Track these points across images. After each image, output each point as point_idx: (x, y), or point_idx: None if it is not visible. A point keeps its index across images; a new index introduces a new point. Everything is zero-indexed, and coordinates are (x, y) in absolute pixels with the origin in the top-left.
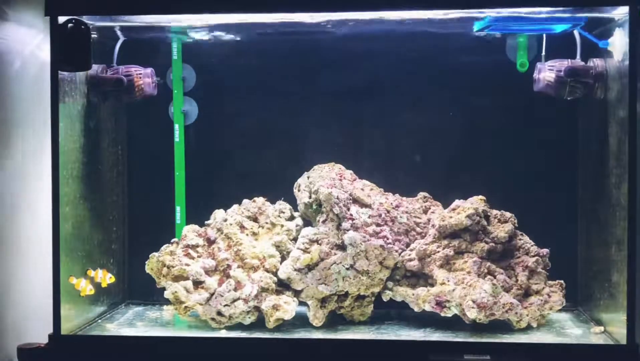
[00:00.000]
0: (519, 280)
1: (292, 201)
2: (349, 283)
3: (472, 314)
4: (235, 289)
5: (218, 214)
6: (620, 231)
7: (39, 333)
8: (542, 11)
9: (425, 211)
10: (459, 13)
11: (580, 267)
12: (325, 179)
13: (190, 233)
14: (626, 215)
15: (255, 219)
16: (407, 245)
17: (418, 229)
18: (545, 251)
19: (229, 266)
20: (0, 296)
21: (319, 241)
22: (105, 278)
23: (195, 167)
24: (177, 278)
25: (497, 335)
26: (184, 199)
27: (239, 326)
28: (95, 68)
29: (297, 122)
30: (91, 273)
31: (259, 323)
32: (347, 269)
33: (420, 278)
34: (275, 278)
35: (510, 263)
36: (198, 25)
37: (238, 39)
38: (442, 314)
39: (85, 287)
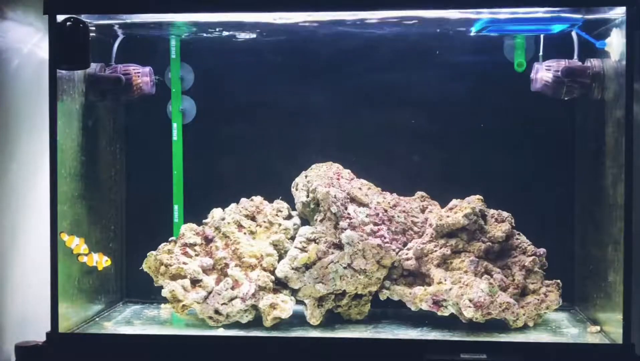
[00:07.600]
0: (515, 279)
1: (290, 200)
2: (346, 282)
3: (468, 313)
4: (233, 288)
5: (216, 213)
6: (617, 230)
7: (36, 331)
8: (539, 11)
9: (422, 211)
10: (457, 13)
11: (577, 266)
12: (322, 178)
13: (188, 231)
14: (622, 215)
15: (253, 218)
16: (405, 244)
17: (415, 228)
18: (542, 250)
19: (226, 265)
20: None
21: (317, 240)
22: (102, 261)
23: (193, 166)
24: (174, 277)
25: (493, 334)
26: (182, 197)
27: (237, 325)
28: (94, 67)
29: (295, 121)
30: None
31: (257, 321)
32: (345, 268)
33: (417, 277)
34: (272, 277)
35: (507, 263)
36: (195, 22)
37: (236, 37)
38: (439, 313)
39: (100, 260)
